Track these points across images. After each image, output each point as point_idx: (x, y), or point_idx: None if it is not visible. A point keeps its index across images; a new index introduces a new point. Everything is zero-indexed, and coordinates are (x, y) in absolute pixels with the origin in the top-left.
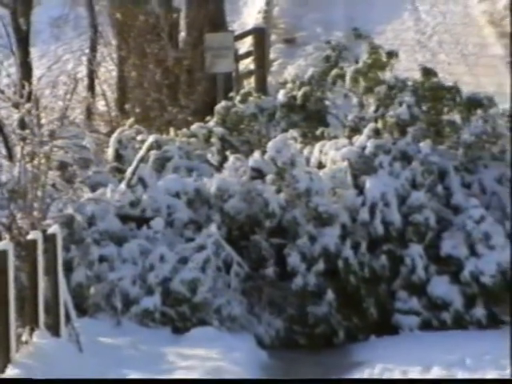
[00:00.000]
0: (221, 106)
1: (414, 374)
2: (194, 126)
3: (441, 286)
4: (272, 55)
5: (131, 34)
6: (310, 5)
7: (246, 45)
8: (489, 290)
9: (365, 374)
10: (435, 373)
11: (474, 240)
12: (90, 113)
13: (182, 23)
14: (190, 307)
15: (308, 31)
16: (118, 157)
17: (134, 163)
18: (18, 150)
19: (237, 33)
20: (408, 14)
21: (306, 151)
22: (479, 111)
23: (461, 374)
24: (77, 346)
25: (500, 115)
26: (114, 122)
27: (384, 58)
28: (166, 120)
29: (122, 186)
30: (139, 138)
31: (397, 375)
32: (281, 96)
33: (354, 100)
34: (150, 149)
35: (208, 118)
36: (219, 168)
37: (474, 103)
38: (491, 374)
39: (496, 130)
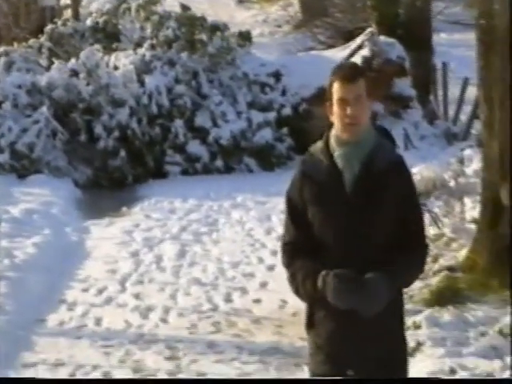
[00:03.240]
0: (49, 27)
1: (177, 203)
2: (31, 41)
3: (195, 146)
4: None
5: None
6: None
7: None
8: (225, 149)
9: (145, 203)
10: (191, 202)
11: (216, 116)
12: None
13: None
14: (29, 161)
15: None
16: None
17: None
18: None
19: None
20: None
21: (106, 58)
22: (218, 33)
23: (206, 203)
24: None
25: (231, 35)
26: None
27: None
28: (11, 37)
29: None
30: None
31: (165, 205)
32: (89, 22)
33: (137, 25)
34: (1, 55)
35: (40, 36)
36: (48, 69)
37: (215, 28)
38: (226, 203)
39: (229, 45)
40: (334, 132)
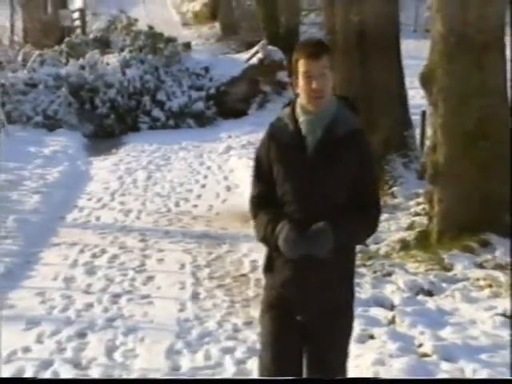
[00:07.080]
0: (66, 39)
1: (146, 147)
2: (55, 47)
3: (156, 112)
4: (91, 24)
5: None
6: None
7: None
8: (175, 114)
9: (126, 147)
10: (154, 146)
11: (169, 94)
12: (12, 42)
13: None
14: (55, 120)
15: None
16: (24, 60)
17: (30, 63)
18: None
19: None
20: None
21: (101, 58)
22: (170, 43)
23: (163, 147)
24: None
25: (178, 45)
26: (21, 46)
27: (132, 22)
28: (43, 45)
29: (25, 71)
30: (32, 52)
31: (139, 148)
32: (91, 36)
33: (121, 38)
34: (37, 56)
35: (61, 44)
36: (66, 64)
37: (169, 40)
38: (176, 146)
39: (177, 50)
40: (300, 101)
